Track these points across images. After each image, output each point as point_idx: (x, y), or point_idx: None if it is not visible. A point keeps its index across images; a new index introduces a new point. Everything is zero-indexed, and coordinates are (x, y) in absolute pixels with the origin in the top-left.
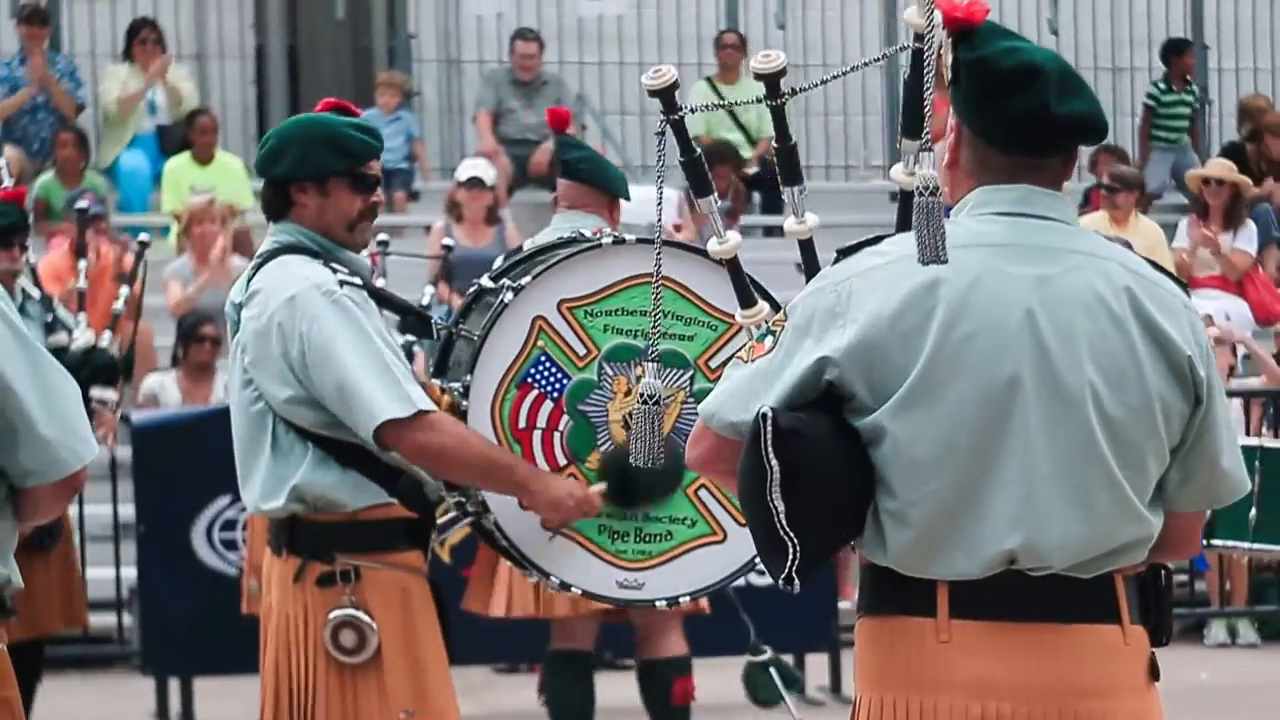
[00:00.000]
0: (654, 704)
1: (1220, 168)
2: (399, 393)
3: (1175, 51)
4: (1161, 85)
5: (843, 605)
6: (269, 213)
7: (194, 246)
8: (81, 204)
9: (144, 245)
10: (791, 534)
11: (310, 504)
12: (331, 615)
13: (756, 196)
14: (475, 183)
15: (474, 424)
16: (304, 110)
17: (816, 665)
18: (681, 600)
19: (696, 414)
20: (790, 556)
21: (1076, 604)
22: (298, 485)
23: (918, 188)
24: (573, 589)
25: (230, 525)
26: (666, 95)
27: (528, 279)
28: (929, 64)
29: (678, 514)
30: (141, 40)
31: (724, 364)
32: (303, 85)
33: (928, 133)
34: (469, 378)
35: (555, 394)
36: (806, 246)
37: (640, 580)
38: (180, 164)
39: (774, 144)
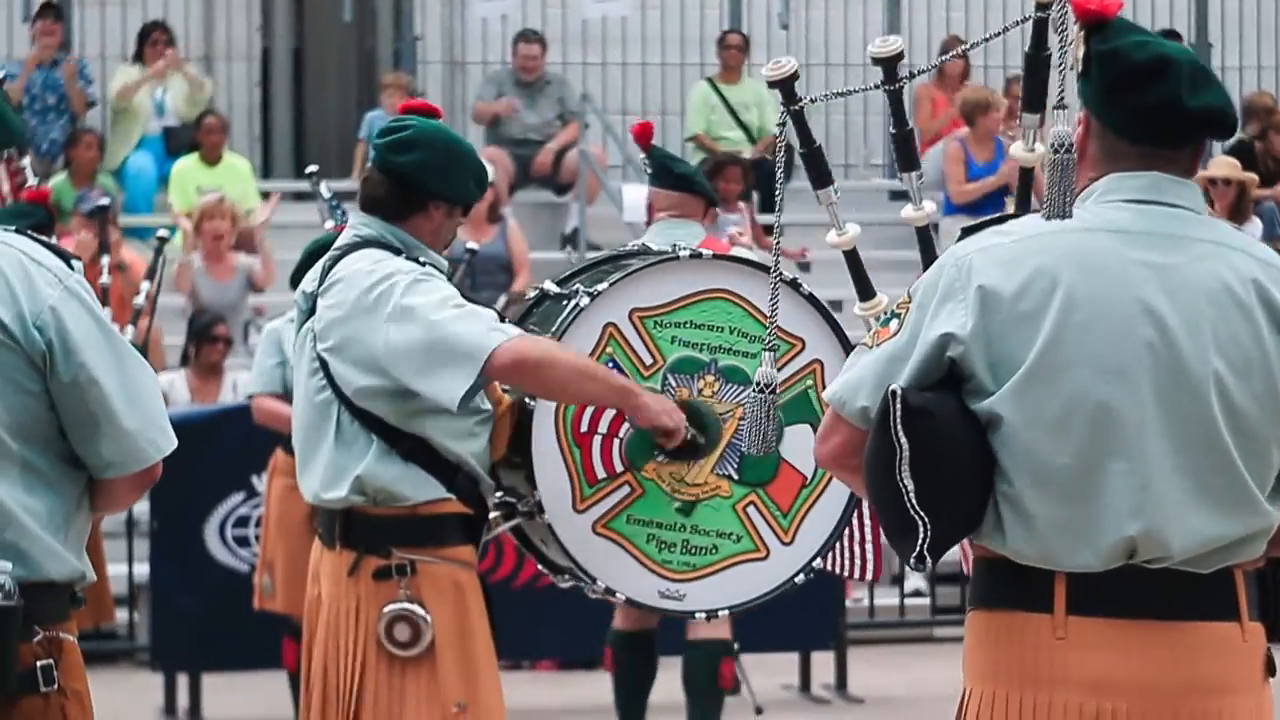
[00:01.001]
0: (696, 683)
1: (1225, 166)
2: (491, 325)
3: None
4: None
5: (848, 604)
6: (386, 210)
7: (204, 243)
8: (103, 201)
9: (163, 241)
10: (921, 513)
11: (371, 496)
12: (386, 609)
13: (755, 195)
14: None
15: (538, 424)
16: (309, 111)
17: (822, 663)
18: (720, 614)
19: None
20: (921, 535)
21: (1195, 600)
22: (361, 476)
23: (1052, 144)
24: (617, 595)
25: (243, 522)
26: (787, 86)
27: (604, 285)
28: (1062, 38)
29: (725, 529)
30: (153, 43)
31: (783, 383)
32: (307, 87)
33: (1062, 91)
34: None
35: None
36: (922, 233)
37: (682, 591)
38: (188, 165)
39: (800, 149)
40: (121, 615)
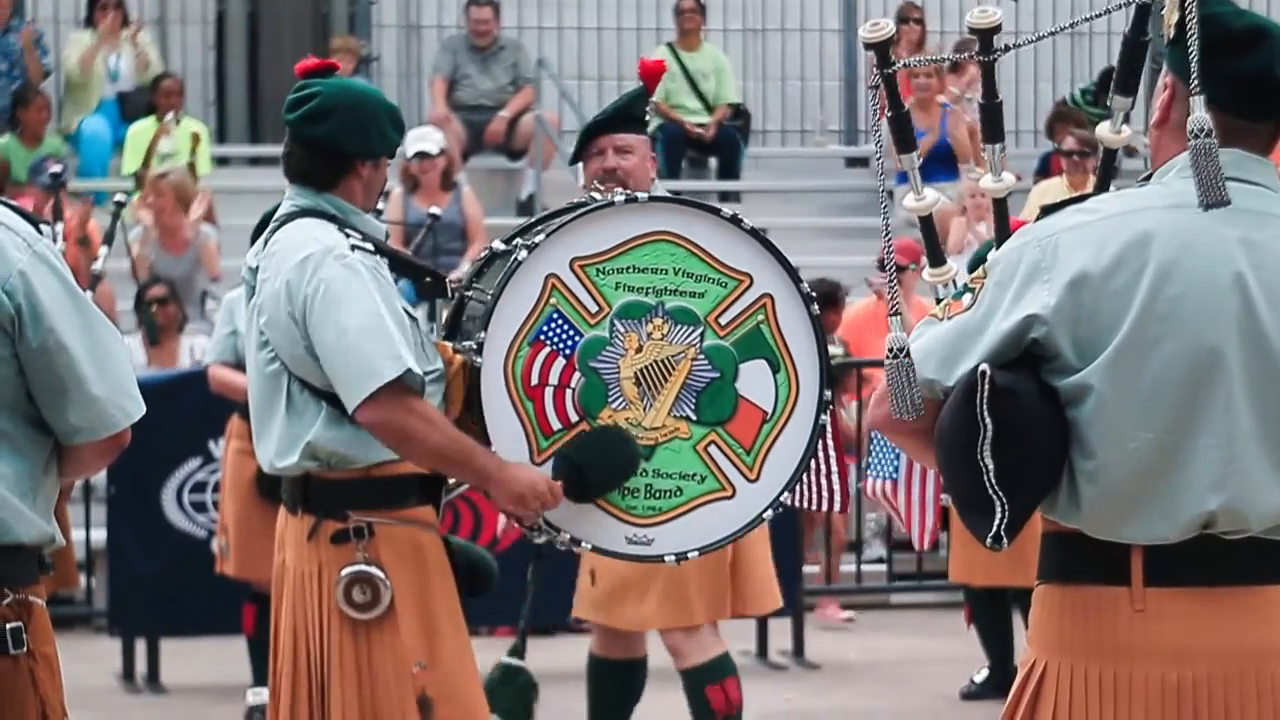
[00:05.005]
0: (695, 715)
1: None
2: (390, 351)
3: None
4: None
5: (807, 570)
6: (313, 180)
7: (151, 217)
8: (55, 168)
9: (120, 205)
10: (1000, 492)
11: (324, 460)
12: (344, 572)
13: (713, 162)
14: (422, 155)
15: (487, 380)
16: (264, 75)
17: (779, 629)
18: (690, 555)
19: (706, 369)
20: (999, 515)
21: (1270, 565)
22: (311, 442)
23: (1192, 130)
24: (583, 545)
25: (200, 487)
26: (881, 49)
27: (541, 237)
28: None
29: (688, 470)
30: (103, 6)
31: (734, 320)
32: (262, 50)
33: (1195, 78)
34: (482, 335)
35: (568, 351)
36: (999, 206)
37: (650, 536)
38: (145, 127)
39: (889, 113)
40: (80, 580)
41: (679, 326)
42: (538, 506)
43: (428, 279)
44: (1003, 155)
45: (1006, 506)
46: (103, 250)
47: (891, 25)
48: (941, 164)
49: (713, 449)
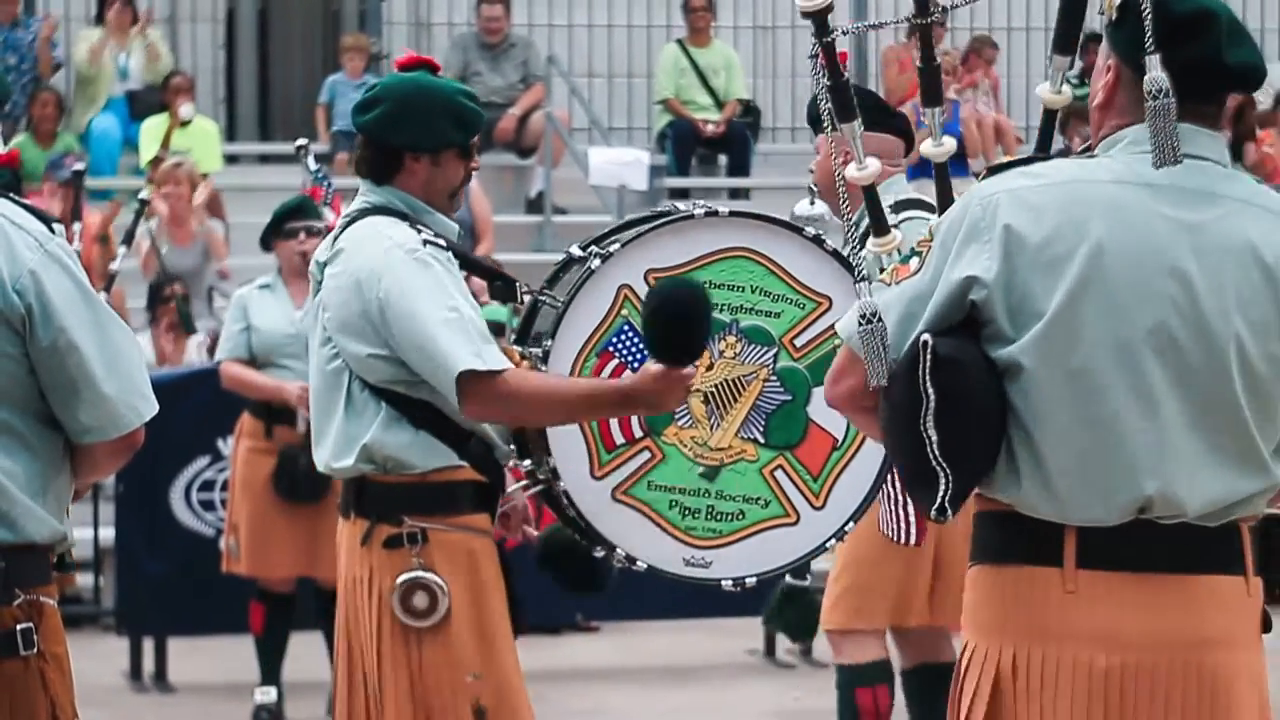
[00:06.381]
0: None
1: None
2: (473, 347)
3: None
4: None
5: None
6: (370, 173)
7: (166, 207)
8: (78, 166)
9: (143, 204)
10: (945, 464)
11: (380, 464)
12: (401, 578)
13: (723, 159)
14: None
15: None
16: (274, 73)
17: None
18: (748, 581)
19: (778, 391)
20: (943, 487)
21: (1204, 554)
22: (367, 444)
23: (1149, 90)
24: (638, 564)
25: (208, 486)
26: (820, 18)
27: (617, 246)
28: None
29: (752, 494)
30: (112, 3)
31: (810, 342)
32: (272, 48)
33: (1149, 38)
34: (549, 343)
35: (635, 364)
36: (940, 170)
37: (708, 559)
38: (158, 123)
39: (827, 81)
40: (87, 580)
41: (752, 346)
42: (684, 388)
43: (497, 281)
44: (943, 118)
45: (950, 478)
46: (120, 250)
47: None
48: (951, 159)
49: (779, 473)
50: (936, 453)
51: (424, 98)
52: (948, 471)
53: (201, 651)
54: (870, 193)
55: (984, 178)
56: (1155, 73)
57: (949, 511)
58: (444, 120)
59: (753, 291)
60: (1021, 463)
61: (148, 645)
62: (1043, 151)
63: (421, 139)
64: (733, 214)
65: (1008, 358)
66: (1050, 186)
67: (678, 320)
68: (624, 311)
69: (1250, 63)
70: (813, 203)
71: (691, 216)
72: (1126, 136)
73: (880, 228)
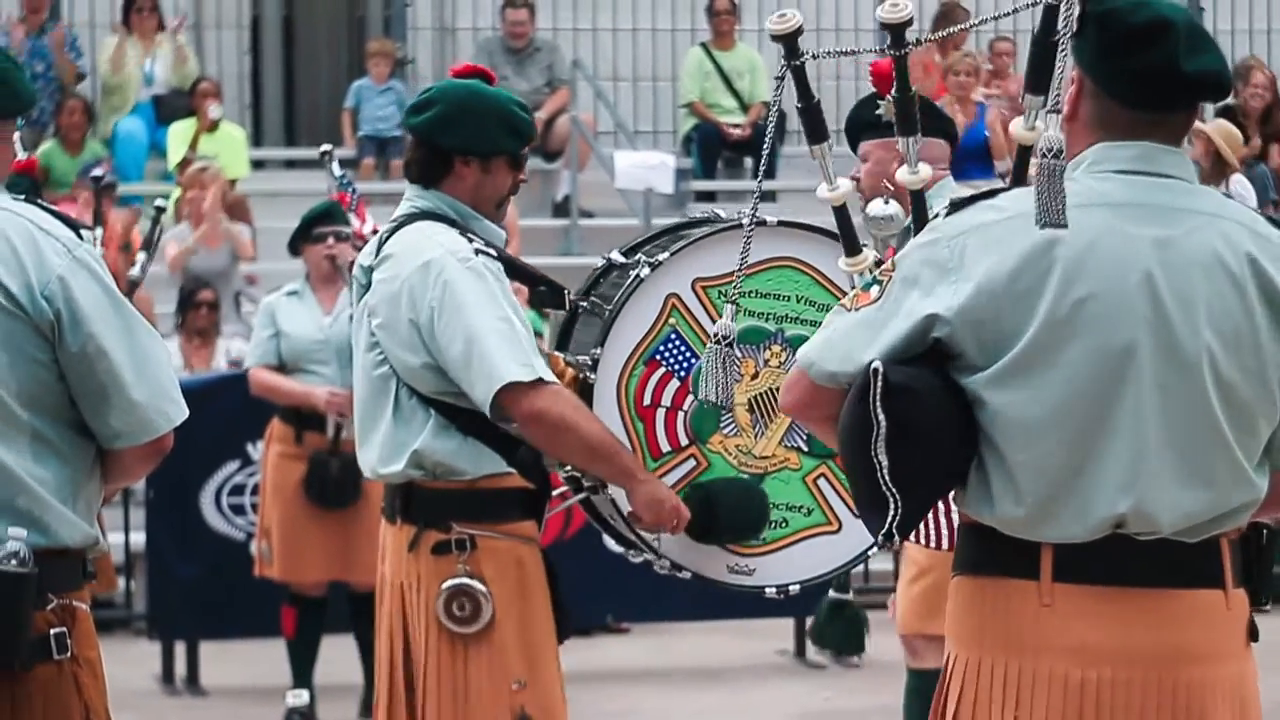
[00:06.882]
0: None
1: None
2: (523, 359)
3: None
4: None
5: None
6: (419, 175)
7: (189, 210)
8: (97, 172)
9: (160, 210)
10: (894, 489)
11: (429, 470)
12: (445, 584)
13: (748, 162)
14: None
15: (599, 397)
16: (299, 78)
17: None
18: (791, 589)
19: None
20: (892, 512)
21: (1181, 569)
22: (418, 450)
23: (1041, 149)
24: (684, 572)
25: (239, 490)
26: (790, 41)
27: (665, 255)
28: (1064, 21)
29: (795, 502)
30: (139, 9)
31: None
32: (297, 54)
33: (1057, 93)
34: (598, 351)
35: (683, 373)
36: (916, 198)
37: (751, 566)
38: (185, 127)
39: (797, 104)
40: (118, 584)
41: (795, 356)
42: (670, 520)
43: (543, 288)
44: (919, 147)
45: (899, 504)
46: (140, 256)
47: (798, 17)
48: (977, 161)
49: (822, 482)
50: (886, 478)
51: (478, 103)
52: (897, 497)
53: (232, 655)
54: (840, 212)
55: (949, 213)
56: (1051, 132)
57: (896, 536)
58: (497, 127)
59: (798, 301)
60: (994, 482)
61: (179, 649)
62: (1018, 184)
63: (473, 143)
64: (781, 223)
65: (979, 384)
66: (1015, 218)
67: (731, 515)
68: (671, 320)
69: (1211, 70)
70: (887, 201)
71: (739, 225)
72: (1088, 158)
73: (851, 247)
